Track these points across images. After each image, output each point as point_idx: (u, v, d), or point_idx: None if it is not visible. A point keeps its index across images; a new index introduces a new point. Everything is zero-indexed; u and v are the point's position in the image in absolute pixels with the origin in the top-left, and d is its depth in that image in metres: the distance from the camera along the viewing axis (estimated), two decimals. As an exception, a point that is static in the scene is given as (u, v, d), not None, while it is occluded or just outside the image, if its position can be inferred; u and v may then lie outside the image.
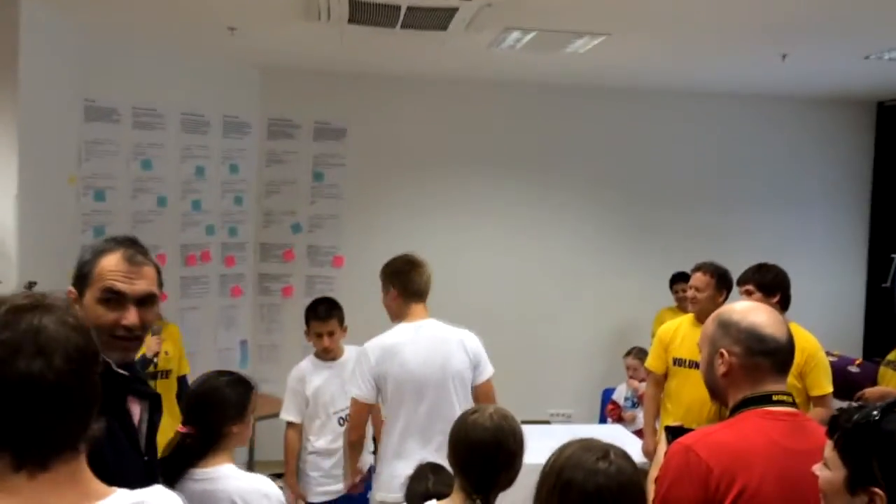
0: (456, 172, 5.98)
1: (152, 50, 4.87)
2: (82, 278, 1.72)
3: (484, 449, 1.97)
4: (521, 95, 5.99)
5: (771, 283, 3.57)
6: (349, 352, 3.83)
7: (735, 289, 3.90)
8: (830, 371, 3.47)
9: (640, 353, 5.35)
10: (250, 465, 5.52)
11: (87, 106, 4.64)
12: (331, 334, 3.72)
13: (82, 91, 4.59)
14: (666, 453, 1.73)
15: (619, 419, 5.23)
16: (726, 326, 1.80)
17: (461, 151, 5.98)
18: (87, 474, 1.13)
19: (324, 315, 3.74)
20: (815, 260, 6.24)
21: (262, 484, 2.21)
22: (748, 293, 3.55)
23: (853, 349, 5.73)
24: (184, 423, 2.29)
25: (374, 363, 3.11)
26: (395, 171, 5.91)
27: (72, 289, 1.74)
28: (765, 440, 1.67)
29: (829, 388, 3.40)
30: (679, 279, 5.65)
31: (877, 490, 1.28)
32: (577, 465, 1.49)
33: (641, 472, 1.56)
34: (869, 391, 3.96)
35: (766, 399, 1.73)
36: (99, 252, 1.74)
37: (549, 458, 1.58)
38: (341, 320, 3.79)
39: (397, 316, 3.28)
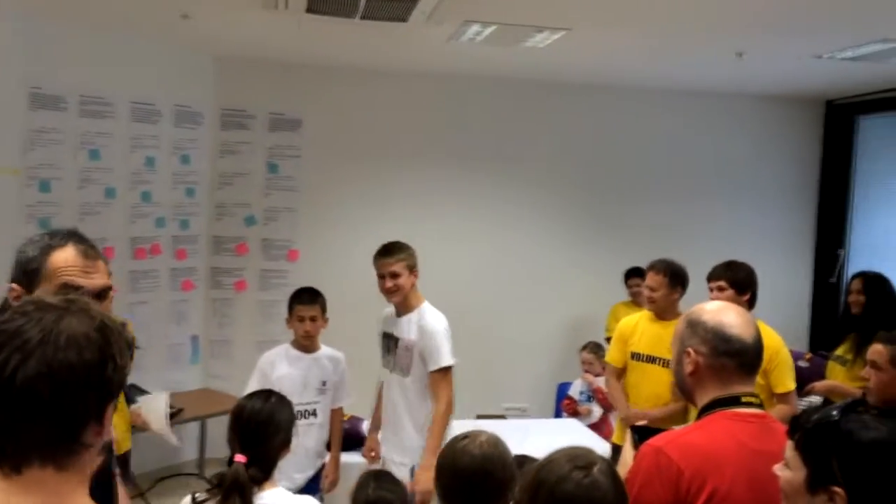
0: (413, 165, 5.93)
1: (101, 36, 4.71)
2: (30, 274, 1.68)
3: (470, 477, 1.90)
4: (479, 89, 5.96)
5: (743, 281, 3.62)
6: (324, 350, 3.78)
7: (691, 285, 3.95)
8: (793, 369, 3.53)
9: (596, 348, 5.40)
10: (201, 464, 5.43)
11: (33, 93, 4.46)
12: (313, 319, 3.68)
13: (27, 78, 4.42)
14: (636, 455, 1.72)
15: (575, 413, 5.26)
16: (694, 326, 1.81)
17: (419, 144, 5.93)
18: (68, 487, 1.10)
19: (308, 299, 3.71)
20: (764, 255, 6.34)
21: None
22: (720, 289, 3.58)
23: (799, 343, 5.87)
24: (241, 453, 2.22)
25: None
26: (351, 164, 5.83)
27: (15, 286, 1.68)
28: (734, 442, 1.68)
29: (792, 386, 3.45)
30: (633, 274, 5.72)
31: (836, 489, 1.29)
32: (554, 470, 1.46)
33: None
34: (818, 385, 4.06)
35: (734, 401, 1.74)
36: (47, 247, 1.70)
37: (531, 471, 1.55)
38: (324, 309, 3.74)
39: (414, 297, 3.56)
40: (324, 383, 3.70)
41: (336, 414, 3.80)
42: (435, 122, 5.94)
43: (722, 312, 1.82)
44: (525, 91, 6.03)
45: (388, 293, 3.51)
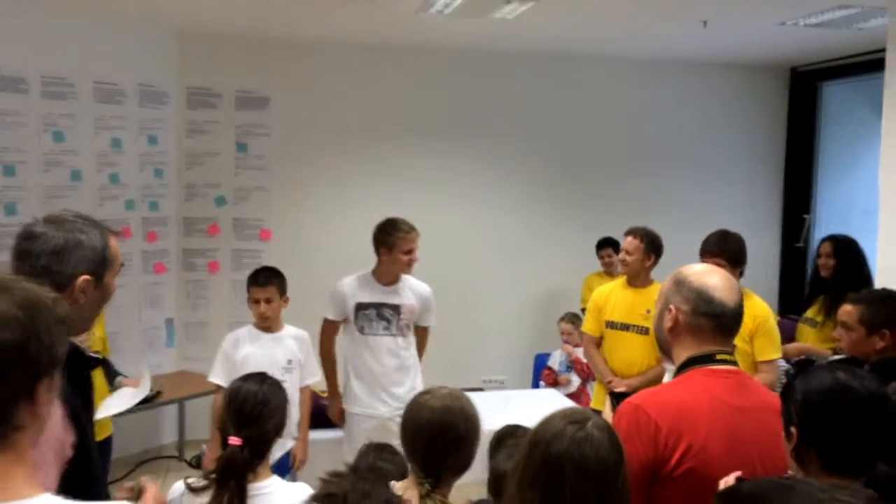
0: (383, 141, 5.90)
1: (60, 15, 4.60)
2: (104, 262, 1.73)
3: (430, 431, 1.89)
4: (448, 62, 5.94)
5: (738, 254, 3.63)
6: (288, 330, 3.77)
7: (664, 255, 4.00)
8: (779, 339, 3.57)
9: (574, 318, 5.46)
10: (180, 446, 5.41)
11: (-8, 75, 4.37)
12: (268, 301, 3.65)
13: (-15, 60, 4.32)
14: (615, 413, 1.76)
15: (554, 383, 5.33)
16: (679, 284, 1.86)
17: (389, 120, 5.90)
18: (12, 470, 1.08)
19: (262, 281, 3.67)
20: (733, 221, 6.34)
21: (307, 492, 2.17)
22: (718, 266, 3.59)
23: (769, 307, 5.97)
24: (235, 435, 2.19)
25: None
26: (321, 141, 5.79)
27: (88, 277, 1.69)
28: (709, 398, 1.72)
29: (776, 355, 3.50)
30: (605, 245, 5.78)
31: (792, 429, 1.57)
32: (549, 428, 1.48)
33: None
34: (789, 347, 4.13)
35: (709, 358, 1.78)
36: (105, 233, 1.76)
37: (530, 432, 1.56)
38: (282, 290, 3.71)
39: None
40: (289, 362, 3.68)
41: (304, 392, 3.80)
42: (404, 96, 5.91)
43: (707, 275, 1.86)
44: (494, 63, 6.01)
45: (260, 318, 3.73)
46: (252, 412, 2.23)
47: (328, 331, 4.06)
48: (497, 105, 6.10)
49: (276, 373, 3.56)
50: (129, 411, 3.55)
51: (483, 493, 2.41)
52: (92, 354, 1.75)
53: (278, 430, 2.29)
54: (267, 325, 3.70)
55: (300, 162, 5.76)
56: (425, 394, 2.00)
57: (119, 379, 3.74)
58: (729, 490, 1.42)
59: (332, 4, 4.36)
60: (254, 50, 5.57)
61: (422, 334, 4.17)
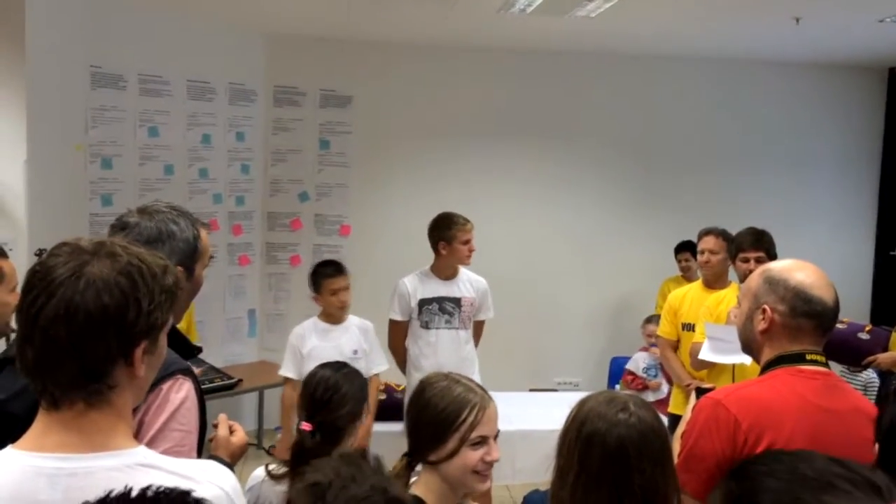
0: (463, 140, 5.93)
1: (157, 16, 4.81)
2: (195, 253, 1.76)
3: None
4: (529, 62, 5.92)
5: (773, 250, 3.57)
6: (352, 318, 3.85)
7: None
8: None
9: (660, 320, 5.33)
10: (259, 434, 5.57)
11: (94, 72, 4.59)
12: (346, 289, 3.77)
13: (88, 57, 4.54)
14: (694, 407, 1.72)
15: (644, 388, 5.17)
16: (774, 283, 1.76)
17: (468, 119, 5.93)
18: (105, 424, 1.15)
19: (333, 272, 3.78)
20: (824, 226, 6.23)
21: None
22: (758, 261, 3.50)
23: (860, 317, 5.71)
24: (307, 420, 2.24)
25: None
26: (401, 139, 5.86)
27: (180, 267, 1.71)
28: (795, 397, 1.66)
29: None
30: (684, 248, 5.64)
31: (876, 445, 1.53)
32: (599, 418, 1.47)
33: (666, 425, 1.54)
34: (881, 357, 3.96)
35: (799, 357, 1.71)
36: (195, 225, 1.79)
37: (570, 413, 1.56)
38: (348, 277, 3.82)
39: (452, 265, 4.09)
40: (355, 352, 3.74)
41: (371, 382, 3.79)
42: (484, 97, 5.92)
43: (801, 271, 1.77)
44: (575, 63, 5.96)
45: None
46: (323, 397, 2.26)
47: (397, 332, 4.15)
48: (576, 105, 6.04)
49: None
50: (211, 398, 3.68)
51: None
52: (195, 344, 1.79)
53: (353, 418, 2.28)
54: (342, 314, 3.77)
55: (380, 159, 5.84)
56: (428, 377, 1.92)
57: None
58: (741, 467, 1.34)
59: (414, 5, 4.41)
60: (337, 50, 5.68)
61: (478, 327, 4.24)
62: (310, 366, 3.66)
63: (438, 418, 1.69)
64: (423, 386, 1.78)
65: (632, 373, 5.24)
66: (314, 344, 3.74)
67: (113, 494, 0.95)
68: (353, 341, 3.80)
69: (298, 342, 3.78)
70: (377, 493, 1.22)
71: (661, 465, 1.46)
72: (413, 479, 1.73)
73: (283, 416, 3.80)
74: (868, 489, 0.93)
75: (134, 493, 0.95)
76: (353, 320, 3.86)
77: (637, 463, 1.43)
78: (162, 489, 0.96)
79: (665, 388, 5.08)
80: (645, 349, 5.26)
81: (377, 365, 3.89)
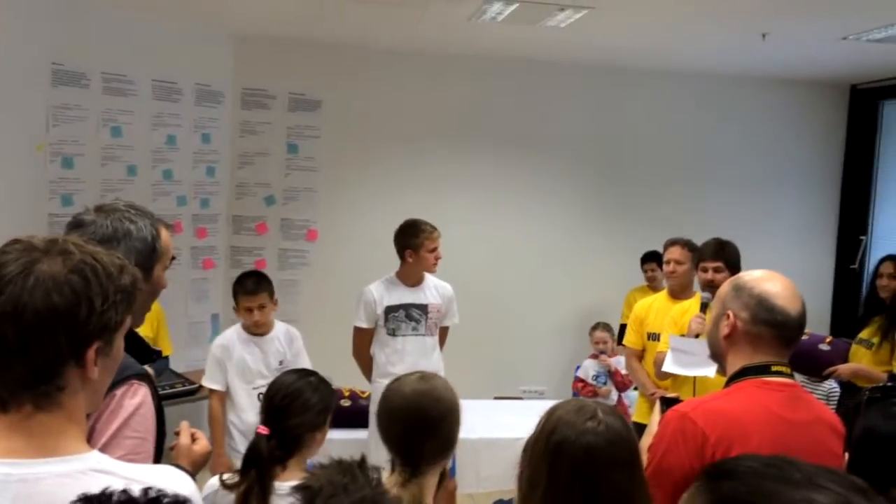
0: (432, 146, 5.91)
1: (122, 14, 4.72)
2: (153, 253, 1.71)
3: (402, 418, 1.83)
4: (499, 71, 5.93)
5: (736, 262, 3.61)
6: (278, 327, 3.73)
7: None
8: None
9: (607, 327, 5.39)
10: (221, 440, 5.47)
11: (55, 70, 4.48)
12: (261, 307, 3.60)
13: (50, 55, 4.43)
14: (660, 420, 1.71)
15: (594, 395, 5.23)
16: (739, 290, 1.78)
17: (436, 126, 5.92)
18: (55, 428, 1.11)
19: (252, 288, 3.61)
20: (785, 240, 6.32)
21: None
22: (717, 270, 3.55)
23: (821, 329, 5.81)
24: (264, 424, 2.18)
25: None
26: (370, 144, 5.83)
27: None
28: (761, 409, 1.67)
29: None
30: (650, 258, 5.69)
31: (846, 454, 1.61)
32: (567, 427, 1.46)
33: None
34: (842, 368, 4.02)
35: (763, 369, 1.72)
36: (154, 224, 1.74)
37: (539, 422, 1.54)
38: (271, 294, 3.67)
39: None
40: (280, 363, 3.63)
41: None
42: (454, 103, 5.92)
43: (769, 281, 1.78)
44: (545, 73, 5.99)
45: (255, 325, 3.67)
46: (282, 403, 2.20)
47: (362, 339, 4.10)
48: (545, 115, 6.06)
49: (269, 375, 3.50)
50: (172, 404, 3.60)
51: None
52: (154, 348, 1.74)
53: (313, 428, 2.21)
54: (261, 330, 3.66)
55: (349, 164, 5.80)
56: (396, 381, 1.93)
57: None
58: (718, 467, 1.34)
59: (386, 10, 4.39)
60: (307, 54, 5.64)
61: (443, 333, 4.24)
62: (235, 379, 3.63)
63: (450, 438, 1.80)
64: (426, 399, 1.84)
65: (582, 380, 5.28)
66: (239, 356, 3.63)
67: (109, 491, 0.91)
68: (279, 352, 3.68)
69: (222, 353, 3.65)
70: None
71: (630, 474, 1.45)
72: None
73: (212, 430, 3.62)
74: (854, 490, 0.93)
75: (136, 493, 0.91)
76: (278, 329, 3.72)
77: (605, 472, 1.42)
78: (163, 491, 0.93)
79: (614, 395, 5.13)
80: (594, 356, 5.30)
81: None
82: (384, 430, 1.87)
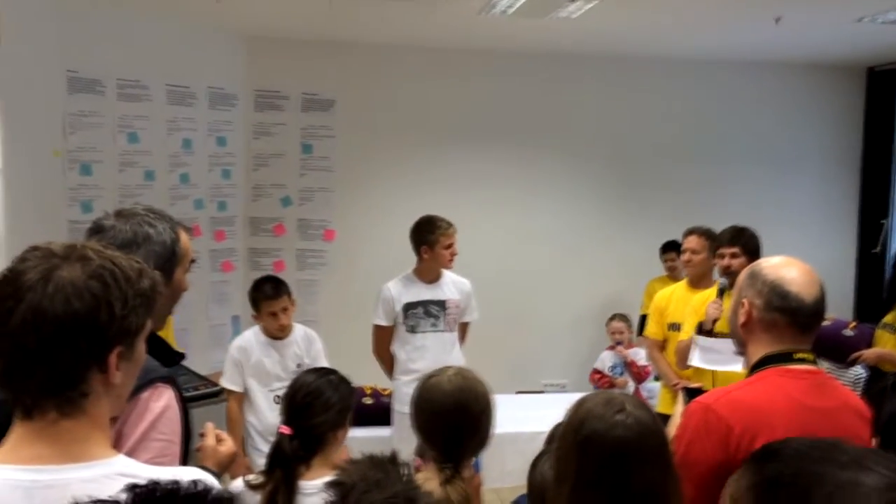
0: (445, 142, 5.91)
1: (135, 19, 4.74)
2: (173, 256, 1.71)
3: (446, 414, 1.85)
4: (511, 64, 5.91)
5: (755, 248, 3.59)
6: (297, 330, 3.73)
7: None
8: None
9: (623, 318, 5.38)
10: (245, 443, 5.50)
11: (70, 77, 4.52)
12: (284, 310, 3.61)
13: (65, 62, 4.47)
14: (683, 412, 1.70)
15: (611, 386, 5.22)
16: (754, 277, 1.76)
17: (450, 121, 5.91)
18: (80, 434, 1.11)
19: (273, 292, 3.61)
20: (806, 226, 6.27)
21: None
22: (734, 256, 3.54)
23: (845, 314, 5.75)
24: (286, 424, 2.19)
25: None
26: (384, 142, 5.83)
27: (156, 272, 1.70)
28: (785, 398, 1.65)
29: None
30: (669, 248, 5.65)
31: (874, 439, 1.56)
32: (596, 420, 1.44)
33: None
34: (867, 353, 3.99)
35: (786, 357, 1.69)
36: (174, 228, 1.74)
37: (566, 415, 1.53)
38: (290, 295, 3.68)
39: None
40: (298, 366, 3.62)
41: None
42: (467, 98, 5.91)
43: (784, 267, 1.76)
44: (557, 65, 5.96)
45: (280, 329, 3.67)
46: (303, 402, 2.21)
47: (382, 337, 4.11)
48: (558, 107, 6.04)
49: (286, 378, 3.45)
50: (195, 406, 3.62)
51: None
52: (177, 350, 1.75)
53: (335, 426, 2.22)
54: (285, 333, 3.67)
55: (364, 163, 5.81)
56: (433, 377, 1.95)
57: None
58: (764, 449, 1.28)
59: (395, 6, 4.38)
60: (319, 53, 5.65)
61: (463, 329, 4.24)
62: (252, 381, 3.64)
63: (488, 432, 1.82)
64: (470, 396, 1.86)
65: (599, 371, 5.30)
66: (257, 359, 3.64)
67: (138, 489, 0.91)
68: (296, 355, 3.69)
69: (241, 356, 3.66)
70: (401, 501, 1.18)
71: (661, 467, 1.43)
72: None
73: (230, 431, 3.59)
74: None
75: (184, 483, 0.91)
76: (297, 332, 3.72)
77: (636, 465, 1.40)
78: (210, 485, 0.92)
79: (631, 386, 5.13)
80: (611, 348, 5.30)
81: None
82: (424, 428, 1.89)
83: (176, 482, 0.91)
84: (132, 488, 0.90)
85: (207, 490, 0.92)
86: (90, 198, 4.63)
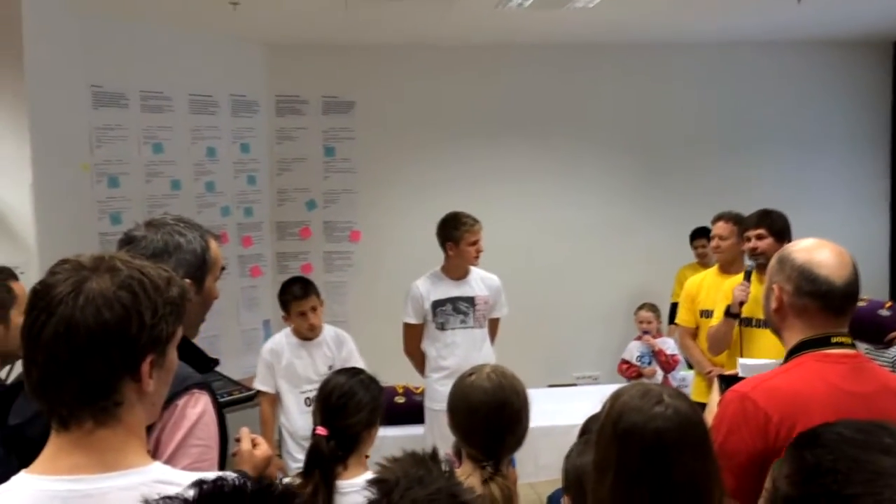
0: (466, 138, 5.90)
1: (155, 32, 4.80)
2: (203, 264, 1.73)
3: (486, 412, 1.85)
4: (531, 58, 5.88)
5: (783, 229, 3.55)
6: (327, 331, 3.75)
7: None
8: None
9: (652, 307, 5.33)
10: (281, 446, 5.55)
11: (95, 92, 4.58)
12: (313, 310, 3.64)
13: (89, 77, 4.53)
14: (720, 402, 1.68)
15: (638, 376, 5.17)
16: (783, 262, 1.74)
17: (471, 117, 5.90)
18: (115, 443, 1.13)
19: (301, 293, 3.64)
20: (837, 205, 6.17)
21: None
22: (759, 238, 3.51)
23: (879, 294, 5.66)
24: (322, 425, 2.21)
25: None
26: (406, 141, 5.84)
27: (188, 280, 1.68)
28: (823, 384, 1.62)
29: None
30: (699, 234, 5.59)
31: None
32: (635, 412, 1.43)
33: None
34: (905, 333, 3.90)
35: (823, 341, 1.66)
36: (204, 236, 1.76)
37: (603, 409, 1.52)
38: (318, 294, 3.70)
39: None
40: (329, 368, 3.62)
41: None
42: (487, 94, 5.89)
43: (814, 250, 1.72)
44: (575, 56, 5.92)
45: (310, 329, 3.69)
46: (338, 403, 2.23)
47: (412, 335, 4.12)
48: (579, 97, 6.00)
49: (317, 379, 3.42)
50: (230, 411, 3.65)
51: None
52: (211, 356, 1.76)
53: (368, 425, 2.25)
54: (316, 333, 3.68)
55: (386, 163, 5.83)
56: (470, 375, 1.95)
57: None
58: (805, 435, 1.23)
59: (410, 6, 4.38)
60: (337, 56, 5.67)
61: (493, 325, 4.22)
62: (283, 383, 3.67)
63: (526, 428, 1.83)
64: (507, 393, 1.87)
65: (627, 361, 5.26)
66: (288, 361, 3.66)
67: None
68: (328, 357, 3.70)
69: (272, 358, 3.69)
70: (444, 497, 1.17)
71: (702, 457, 1.42)
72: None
73: (263, 432, 3.65)
74: None
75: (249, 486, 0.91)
76: (327, 333, 3.74)
77: (677, 456, 1.39)
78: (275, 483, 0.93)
79: (659, 375, 5.09)
80: (638, 338, 5.26)
81: None
82: (463, 427, 1.89)
83: (244, 478, 0.92)
84: (199, 484, 0.91)
85: (273, 486, 0.93)
86: (119, 209, 4.70)
